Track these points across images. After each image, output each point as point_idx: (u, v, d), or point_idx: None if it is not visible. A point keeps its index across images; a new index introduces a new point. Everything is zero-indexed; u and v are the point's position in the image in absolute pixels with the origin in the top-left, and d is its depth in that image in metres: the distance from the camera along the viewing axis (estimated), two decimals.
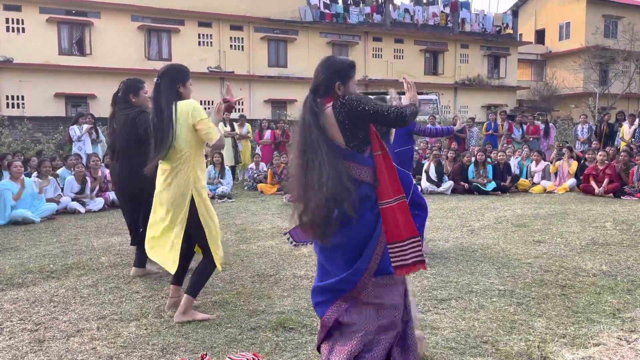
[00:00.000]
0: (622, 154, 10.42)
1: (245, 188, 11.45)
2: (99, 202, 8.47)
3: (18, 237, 6.32)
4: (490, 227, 6.69)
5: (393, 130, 4.84)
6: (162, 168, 3.46)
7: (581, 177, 10.33)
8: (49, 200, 7.92)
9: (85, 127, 10.31)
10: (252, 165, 11.94)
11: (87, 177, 8.52)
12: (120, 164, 4.46)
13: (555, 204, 8.65)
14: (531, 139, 13.10)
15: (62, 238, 6.22)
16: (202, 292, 3.83)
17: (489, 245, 5.62)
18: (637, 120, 12.61)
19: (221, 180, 10.22)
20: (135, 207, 4.47)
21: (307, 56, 26.50)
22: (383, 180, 2.45)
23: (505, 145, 12.58)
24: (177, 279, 3.66)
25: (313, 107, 2.48)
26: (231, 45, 25.66)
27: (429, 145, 12.15)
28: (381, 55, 29.16)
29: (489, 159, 10.59)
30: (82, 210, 8.19)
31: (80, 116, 10.80)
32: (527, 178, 11.10)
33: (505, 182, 10.28)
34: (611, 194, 9.56)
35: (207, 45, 25.19)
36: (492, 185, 10.08)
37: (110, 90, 20.95)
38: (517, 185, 10.60)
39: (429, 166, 10.35)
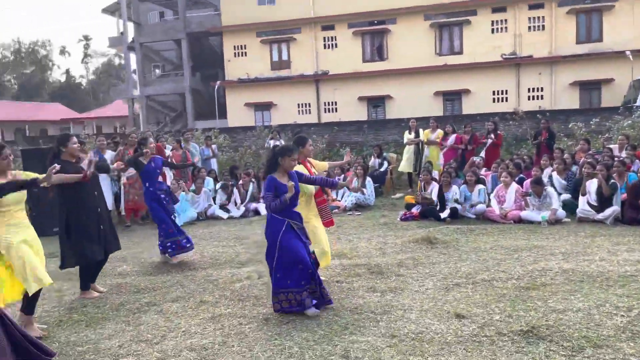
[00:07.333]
0: None
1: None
2: (240, 210, 9.97)
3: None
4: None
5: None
6: None
7: None
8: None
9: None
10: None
11: (230, 186, 10.18)
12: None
13: None
14: None
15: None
16: None
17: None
18: None
19: (363, 189, 10.22)
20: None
21: (631, 23, 21.53)
22: None
23: None
24: None
25: None
26: (529, 27, 23.15)
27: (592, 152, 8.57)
28: None
29: None
30: (225, 216, 9.85)
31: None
32: None
33: None
34: None
35: (501, 31, 23.55)
36: None
37: (404, 90, 23.02)
38: None
39: (587, 184, 7.55)
